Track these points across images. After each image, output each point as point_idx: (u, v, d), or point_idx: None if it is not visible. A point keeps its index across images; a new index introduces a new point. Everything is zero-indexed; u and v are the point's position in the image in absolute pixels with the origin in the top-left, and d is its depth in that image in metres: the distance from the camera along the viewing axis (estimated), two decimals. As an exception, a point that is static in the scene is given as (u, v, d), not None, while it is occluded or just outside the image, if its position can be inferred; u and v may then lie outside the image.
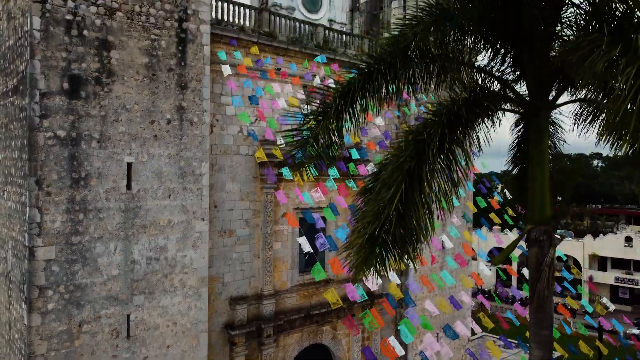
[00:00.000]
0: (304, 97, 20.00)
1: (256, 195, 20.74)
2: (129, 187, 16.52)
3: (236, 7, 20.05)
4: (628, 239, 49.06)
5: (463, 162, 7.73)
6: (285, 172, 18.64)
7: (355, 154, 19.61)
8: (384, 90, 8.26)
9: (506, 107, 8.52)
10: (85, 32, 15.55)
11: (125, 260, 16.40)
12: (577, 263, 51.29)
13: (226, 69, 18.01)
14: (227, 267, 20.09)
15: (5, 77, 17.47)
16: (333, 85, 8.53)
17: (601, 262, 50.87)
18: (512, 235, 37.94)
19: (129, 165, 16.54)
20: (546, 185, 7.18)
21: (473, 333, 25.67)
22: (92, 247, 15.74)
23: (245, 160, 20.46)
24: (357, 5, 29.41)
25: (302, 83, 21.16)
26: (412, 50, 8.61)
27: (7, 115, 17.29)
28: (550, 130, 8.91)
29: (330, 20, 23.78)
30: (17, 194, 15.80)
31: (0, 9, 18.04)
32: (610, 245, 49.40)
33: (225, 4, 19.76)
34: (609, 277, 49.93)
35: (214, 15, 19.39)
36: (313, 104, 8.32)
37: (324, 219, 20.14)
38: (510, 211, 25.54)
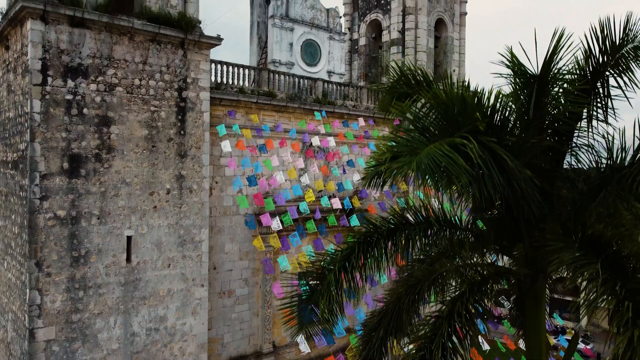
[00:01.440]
0: (303, 165, 20.06)
1: (255, 254, 20.81)
2: (128, 260, 16.58)
3: (235, 69, 20.11)
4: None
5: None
6: (283, 262, 18.78)
7: (354, 221, 19.70)
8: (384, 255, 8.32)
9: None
10: (85, 110, 15.61)
11: (125, 334, 16.47)
12: None
13: (225, 146, 18.07)
14: (227, 328, 20.16)
15: (5, 147, 17.54)
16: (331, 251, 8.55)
17: None
18: None
19: (129, 238, 16.60)
20: (544, 353, 7.29)
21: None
22: (92, 324, 15.80)
23: (244, 220, 20.52)
24: (356, 47, 29.48)
25: (302, 148, 21.19)
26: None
27: (7, 186, 17.34)
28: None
29: (329, 72, 23.83)
30: (18, 271, 15.86)
31: (0, 76, 18.12)
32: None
33: (225, 67, 19.82)
34: None
35: (213, 78, 19.45)
36: (310, 280, 8.34)
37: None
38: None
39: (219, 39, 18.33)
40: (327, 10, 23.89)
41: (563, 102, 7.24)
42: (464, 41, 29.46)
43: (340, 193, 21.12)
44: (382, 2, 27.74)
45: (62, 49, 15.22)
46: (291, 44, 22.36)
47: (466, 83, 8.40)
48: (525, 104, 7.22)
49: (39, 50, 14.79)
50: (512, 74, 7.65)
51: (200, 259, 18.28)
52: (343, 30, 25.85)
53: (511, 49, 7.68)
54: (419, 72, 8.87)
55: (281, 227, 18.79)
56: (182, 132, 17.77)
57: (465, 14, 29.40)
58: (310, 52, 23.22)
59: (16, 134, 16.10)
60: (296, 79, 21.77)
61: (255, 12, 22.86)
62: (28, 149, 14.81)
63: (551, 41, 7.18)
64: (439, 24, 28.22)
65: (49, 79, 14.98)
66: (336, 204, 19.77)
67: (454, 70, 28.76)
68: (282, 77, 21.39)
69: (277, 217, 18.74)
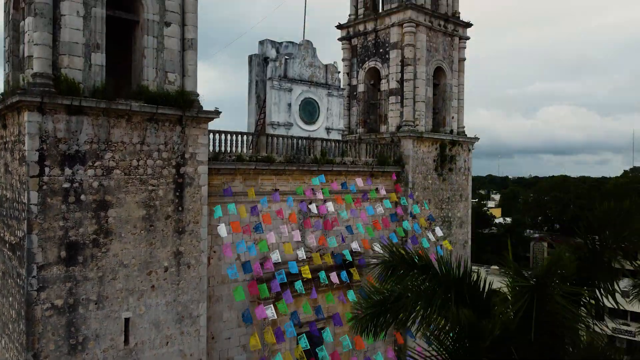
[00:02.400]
0: (299, 238, 20.03)
1: (254, 319, 20.76)
2: (126, 342, 16.53)
3: (233, 136, 20.08)
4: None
5: None
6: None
7: (351, 295, 19.68)
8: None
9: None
10: (82, 196, 15.57)
11: (123, 416, 16.42)
12: (574, 309, 51.32)
13: (222, 230, 18.05)
14: (225, 395, 20.12)
15: (3, 224, 17.49)
16: None
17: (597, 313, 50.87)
18: None
19: (127, 320, 16.56)
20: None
21: None
22: (90, 410, 15.76)
23: (243, 286, 20.47)
24: (355, 93, 29.46)
25: (299, 218, 21.14)
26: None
27: (5, 264, 17.29)
28: None
29: (328, 129, 23.78)
30: (15, 356, 15.82)
31: (-2, 150, 18.05)
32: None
33: (223, 135, 19.79)
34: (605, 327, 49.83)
35: (211, 148, 19.41)
36: None
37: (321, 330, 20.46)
38: None
39: (217, 113, 18.29)
40: (326, 66, 23.84)
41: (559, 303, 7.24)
42: (462, 87, 29.45)
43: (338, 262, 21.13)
44: (381, 51, 27.70)
45: (60, 137, 15.18)
46: (289, 104, 22.31)
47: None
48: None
49: (36, 141, 14.75)
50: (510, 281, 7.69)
51: (199, 334, 18.25)
52: (342, 85, 25.82)
53: (510, 260, 7.70)
54: (415, 255, 8.76)
55: (276, 316, 18.78)
56: (180, 208, 17.73)
57: (464, 59, 29.39)
58: (309, 110, 23.18)
59: (13, 218, 16.05)
60: (294, 140, 21.75)
61: (253, 71, 22.80)
62: (25, 240, 14.76)
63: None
64: (438, 71, 28.19)
65: (46, 169, 14.94)
66: (334, 278, 19.80)
67: (453, 117, 28.74)
68: (280, 139, 21.36)
69: (272, 306, 18.77)
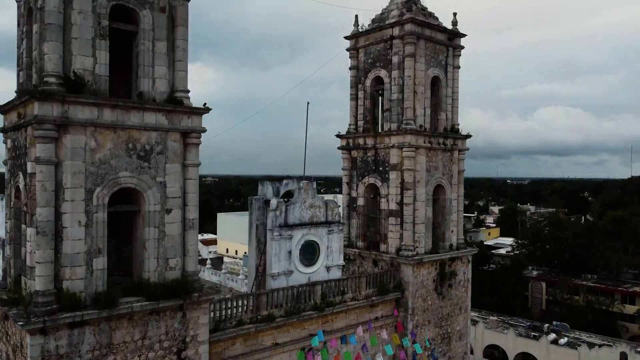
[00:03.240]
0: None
1: None
2: None
3: (234, 301, 20.18)
4: (623, 355, 49.42)
5: None
6: None
7: None
8: None
9: None
10: (84, 401, 15.64)
11: None
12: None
13: None
14: None
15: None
16: None
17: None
18: None
19: None
20: None
21: None
22: None
23: None
24: (355, 205, 29.54)
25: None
26: None
27: None
28: None
29: (328, 267, 23.86)
30: None
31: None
32: (605, 359, 49.76)
33: (224, 303, 19.87)
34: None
35: (212, 314, 19.49)
36: None
37: None
38: None
39: (218, 291, 18.39)
40: (326, 204, 23.90)
41: None
42: (461, 198, 29.56)
43: None
44: (380, 169, 27.78)
45: (62, 354, 15.26)
46: (290, 252, 22.41)
47: None
48: None
49: (38, 363, 14.83)
50: None
51: None
52: (342, 220, 25.88)
53: None
54: None
55: None
56: (181, 396, 17.78)
57: (463, 171, 29.49)
58: (309, 252, 23.26)
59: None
60: (294, 290, 21.85)
61: (254, 214, 22.88)
62: None
63: None
64: (438, 188, 28.27)
65: (48, 390, 15.01)
66: None
67: (452, 231, 28.85)
68: (280, 292, 21.47)
69: None
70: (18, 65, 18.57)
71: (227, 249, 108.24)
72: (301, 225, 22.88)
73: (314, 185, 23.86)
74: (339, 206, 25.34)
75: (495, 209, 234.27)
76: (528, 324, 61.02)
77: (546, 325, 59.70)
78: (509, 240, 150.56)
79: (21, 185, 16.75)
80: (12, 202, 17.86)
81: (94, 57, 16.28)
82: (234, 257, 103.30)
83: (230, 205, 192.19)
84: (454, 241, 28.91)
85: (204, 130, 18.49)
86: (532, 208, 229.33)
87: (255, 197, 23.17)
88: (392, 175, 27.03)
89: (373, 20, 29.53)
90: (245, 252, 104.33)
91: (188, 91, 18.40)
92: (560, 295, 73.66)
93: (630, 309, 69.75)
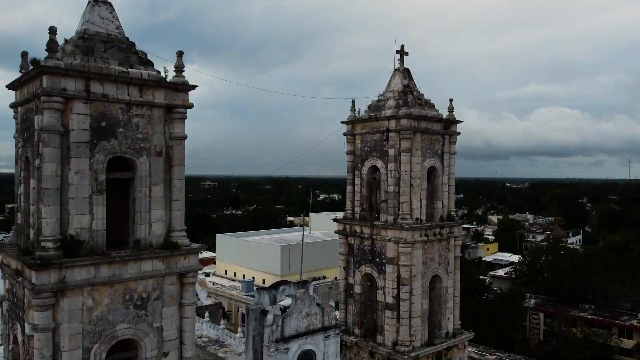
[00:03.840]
0: None
1: None
2: None
3: None
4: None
5: None
6: None
7: None
8: None
9: None
10: None
11: None
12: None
13: None
14: None
15: None
16: None
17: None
18: None
19: None
20: None
21: None
22: None
23: None
24: (352, 292, 29.68)
25: None
26: None
27: None
28: None
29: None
30: None
31: None
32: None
33: None
34: None
35: None
36: None
37: None
38: None
39: None
40: (322, 309, 23.97)
41: None
42: (457, 283, 29.72)
43: None
44: (377, 260, 27.92)
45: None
46: (286, 365, 22.57)
47: None
48: None
49: None
50: None
51: None
52: (338, 323, 26.03)
53: None
54: None
55: None
56: None
57: (460, 256, 29.66)
58: (306, 360, 23.45)
59: None
60: (291, 405, 21.97)
61: (250, 325, 23.01)
62: None
63: None
64: (434, 278, 28.43)
65: None
66: None
67: (449, 318, 29.02)
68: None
69: None
70: (16, 203, 18.71)
71: (226, 271, 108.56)
72: (298, 336, 23.01)
73: (311, 291, 24.01)
74: (336, 311, 25.46)
75: (494, 218, 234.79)
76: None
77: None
78: (507, 256, 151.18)
79: (19, 339, 16.89)
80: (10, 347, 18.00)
81: (91, 213, 16.38)
82: (232, 280, 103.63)
83: (230, 216, 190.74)
84: (450, 328, 29.08)
85: (200, 268, 18.61)
86: (531, 218, 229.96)
87: (252, 308, 23.29)
88: (389, 269, 27.17)
89: (369, 107, 29.66)
90: (244, 275, 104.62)
91: (184, 229, 18.54)
92: (558, 328, 73.86)
93: (628, 343, 70.02)
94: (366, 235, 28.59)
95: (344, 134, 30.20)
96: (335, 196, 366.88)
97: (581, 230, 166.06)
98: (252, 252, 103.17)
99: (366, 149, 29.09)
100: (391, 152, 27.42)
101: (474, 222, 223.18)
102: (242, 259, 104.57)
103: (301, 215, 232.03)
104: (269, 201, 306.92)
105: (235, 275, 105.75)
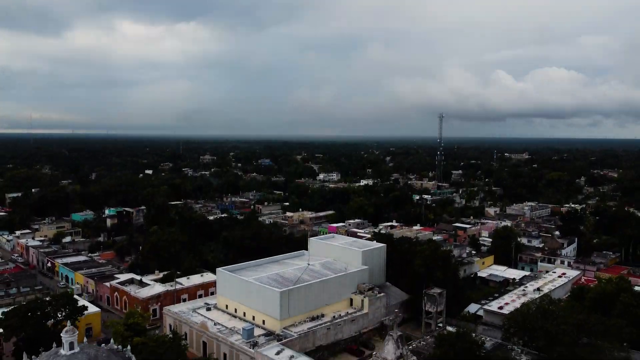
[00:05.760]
0: None
1: None
2: None
3: None
4: None
5: None
6: None
7: None
8: None
9: None
10: None
11: None
12: None
13: None
14: None
15: None
16: None
17: None
18: None
19: None
20: None
21: None
22: None
23: None
24: None
25: None
26: None
27: None
28: None
29: None
30: None
31: None
32: None
33: None
34: None
35: None
36: None
37: None
38: None
39: None
40: None
41: None
42: None
43: None
44: None
45: None
46: None
47: None
48: None
49: None
50: None
51: None
52: None
53: None
54: None
55: None
56: None
57: None
58: None
59: None
60: None
61: None
62: None
63: None
64: None
65: None
66: None
67: None
68: None
69: None
70: None
71: (227, 305, 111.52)
72: None
73: None
74: None
75: (491, 211, 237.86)
76: None
77: None
78: (502, 270, 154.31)
79: None
80: None
81: None
82: (233, 316, 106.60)
83: (232, 221, 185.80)
84: None
85: None
86: (528, 211, 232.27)
87: None
88: None
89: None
90: (244, 313, 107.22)
91: None
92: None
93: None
94: None
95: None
96: (334, 175, 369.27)
97: (576, 239, 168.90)
98: (252, 293, 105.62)
99: None
100: None
101: (471, 217, 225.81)
102: (242, 298, 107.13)
103: (300, 210, 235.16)
104: (268, 186, 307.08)
105: (235, 312, 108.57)
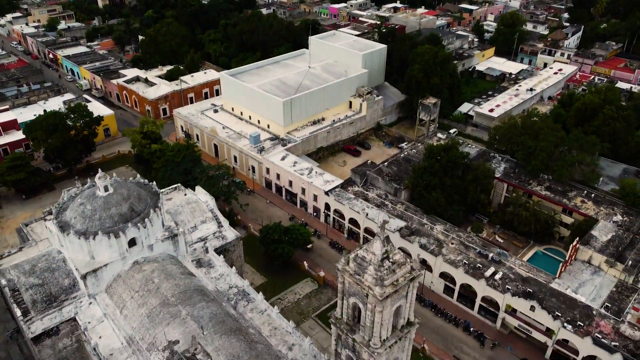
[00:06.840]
0: None
1: None
2: None
3: None
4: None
5: None
6: None
7: None
8: None
9: None
10: None
11: None
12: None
13: None
14: None
15: None
16: None
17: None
18: None
19: None
20: None
21: None
22: None
23: None
24: None
25: None
26: None
27: None
28: None
29: None
30: None
31: None
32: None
33: None
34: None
35: None
36: None
37: None
38: None
39: None
40: None
41: None
42: None
43: None
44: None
45: None
46: None
47: None
48: None
49: None
50: None
51: None
52: None
53: None
54: None
55: None
56: None
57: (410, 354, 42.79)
58: None
59: None
60: None
61: None
62: None
63: None
64: None
65: None
66: None
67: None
68: None
69: None
70: None
71: (233, 108, 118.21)
72: None
73: None
74: None
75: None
76: (478, 250, 78.17)
77: (491, 254, 76.99)
78: (501, 62, 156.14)
79: None
80: None
81: None
82: (240, 118, 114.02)
83: (229, 3, 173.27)
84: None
85: None
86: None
87: None
88: (363, 364, 40.96)
89: (355, 259, 38.08)
90: (250, 117, 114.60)
91: None
92: (515, 199, 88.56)
93: (568, 219, 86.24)
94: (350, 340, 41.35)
95: (337, 271, 39.41)
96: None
97: (582, 27, 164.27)
98: (256, 100, 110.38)
99: (352, 290, 39.05)
100: (369, 306, 37.76)
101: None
102: (247, 104, 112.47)
103: None
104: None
105: (242, 114, 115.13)
